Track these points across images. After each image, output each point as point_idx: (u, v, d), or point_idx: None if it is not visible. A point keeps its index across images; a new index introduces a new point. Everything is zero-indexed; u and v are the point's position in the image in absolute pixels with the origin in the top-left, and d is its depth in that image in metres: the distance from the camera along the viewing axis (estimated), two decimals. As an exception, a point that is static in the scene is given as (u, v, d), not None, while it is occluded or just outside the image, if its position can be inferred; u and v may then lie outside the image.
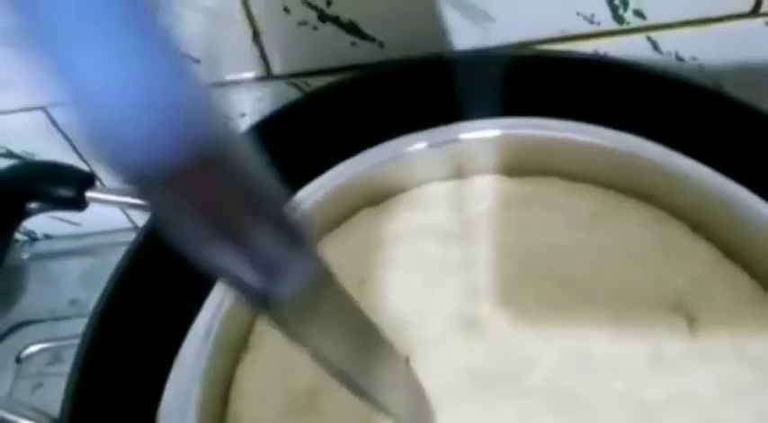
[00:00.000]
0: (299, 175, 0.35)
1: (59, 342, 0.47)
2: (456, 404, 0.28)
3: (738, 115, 0.33)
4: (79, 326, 0.30)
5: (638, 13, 0.39)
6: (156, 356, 0.29)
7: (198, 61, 0.40)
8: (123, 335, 0.29)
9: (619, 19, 0.40)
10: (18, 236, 0.55)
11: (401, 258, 0.33)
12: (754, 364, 0.27)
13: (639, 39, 0.41)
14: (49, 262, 0.53)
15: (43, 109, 0.43)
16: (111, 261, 0.53)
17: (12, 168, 0.30)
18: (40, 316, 0.49)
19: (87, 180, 0.31)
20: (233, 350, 0.32)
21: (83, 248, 0.53)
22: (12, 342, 0.48)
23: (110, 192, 0.31)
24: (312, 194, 0.34)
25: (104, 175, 0.34)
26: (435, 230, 0.34)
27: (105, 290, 0.29)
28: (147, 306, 0.30)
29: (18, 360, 0.47)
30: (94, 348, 0.27)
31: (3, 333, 0.48)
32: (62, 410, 0.25)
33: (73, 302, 0.50)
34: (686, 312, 0.29)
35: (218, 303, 0.31)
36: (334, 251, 0.34)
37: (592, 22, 0.40)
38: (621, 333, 0.28)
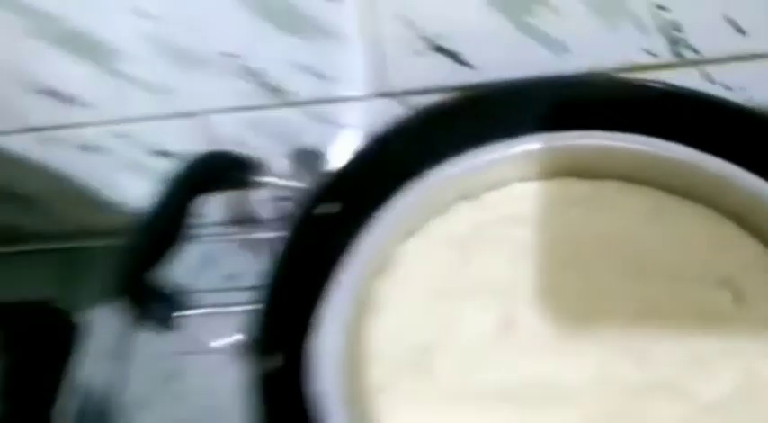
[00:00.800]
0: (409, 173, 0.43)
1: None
2: (546, 350, 0.35)
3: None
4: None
5: (693, 49, 0.47)
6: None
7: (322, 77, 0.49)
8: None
9: (677, 54, 0.48)
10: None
11: (495, 239, 0.41)
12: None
13: (694, 71, 0.49)
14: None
15: (198, 115, 0.53)
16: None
17: (205, 155, 0.39)
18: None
19: (257, 167, 0.40)
20: (360, 307, 0.40)
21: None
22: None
23: (276, 176, 0.40)
24: (417, 191, 0.42)
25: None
26: (523, 218, 0.42)
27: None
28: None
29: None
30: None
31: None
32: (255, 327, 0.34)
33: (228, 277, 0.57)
34: (733, 289, 0.36)
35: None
36: (437, 235, 0.42)
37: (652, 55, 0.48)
38: (676, 299, 0.36)
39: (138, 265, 0.35)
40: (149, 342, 0.56)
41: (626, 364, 0.34)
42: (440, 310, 0.38)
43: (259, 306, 0.35)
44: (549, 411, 0.33)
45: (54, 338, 0.56)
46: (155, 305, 0.34)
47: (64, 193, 0.61)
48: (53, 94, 0.51)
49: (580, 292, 0.37)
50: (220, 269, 0.58)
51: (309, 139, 0.54)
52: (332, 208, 0.41)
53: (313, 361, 0.35)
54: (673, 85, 0.47)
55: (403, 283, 0.40)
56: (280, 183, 0.40)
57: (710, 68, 0.48)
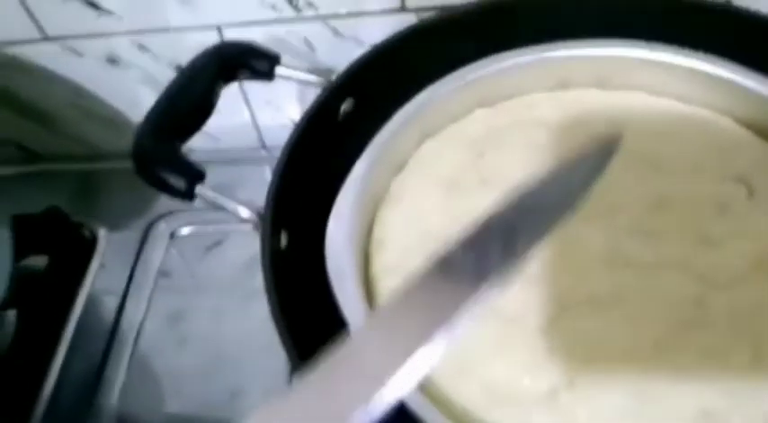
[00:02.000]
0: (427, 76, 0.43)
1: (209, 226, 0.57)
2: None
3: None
4: (221, 215, 0.38)
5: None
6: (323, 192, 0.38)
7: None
8: (302, 171, 0.38)
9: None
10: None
11: (511, 140, 0.41)
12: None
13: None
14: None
15: (217, 28, 0.53)
16: (244, 173, 0.62)
17: (228, 44, 0.40)
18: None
19: (276, 58, 0.40)
20: (374, 201, 0.40)
21: (219, 159, 0.63)
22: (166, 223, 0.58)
23: (292, 68, 0.41)
24: (434, 94, 0.42)
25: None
26: (539, 122, 0.42)
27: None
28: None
29: (172, 236, 0.58)
30: (285, 172, 0.36)
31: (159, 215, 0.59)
32: (266, 205, 0.34)
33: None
34: (747, 184, 0.36)
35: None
36: (453, 137, 0.42)
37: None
38: (693, 190, 0.36)
39: (159, 136, 0.35)
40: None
41: (637, 244, 0.34)
42: (451, 202, 0.38)
43: (275, 189, 0.35)
44: (558, 289, 0.33)
45: (69, 250, 0.58)
46: (175, 174, 0.34)
47: (86, 110, 0.62)
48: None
49: (598, 186, 0.37)
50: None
51: (330, 58, 0.54)
52: (347, 104, 0.41)
53: (329, 241, 0.36)
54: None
55: (417, 179, 0.40)
56: (298, 76, 0.41)
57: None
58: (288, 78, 0.41)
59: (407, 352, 0.18)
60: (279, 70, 0.41)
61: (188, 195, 0.35)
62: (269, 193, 0.35)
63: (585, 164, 0.24)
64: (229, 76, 0.39)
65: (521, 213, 0.23)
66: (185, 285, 0.58)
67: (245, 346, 0.51)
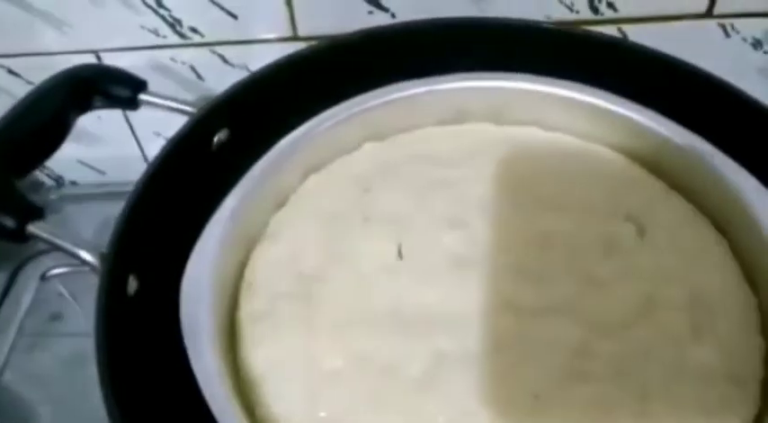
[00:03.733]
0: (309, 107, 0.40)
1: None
2: (440, 278, 0.33)
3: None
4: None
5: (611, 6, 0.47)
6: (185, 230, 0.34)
7: (236, 17, 0.47)
8: (161, 205, 0.34)
9: (594, 10, 0.47)
10: (47, 179, 0.60)
11: (399, 175, 0.38)
12: (685, 253, 0.33)
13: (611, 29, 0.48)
14: (73, 204, 0.58)
15: (94, 53, 0.49)
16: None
17: (83, 67, 0.36)
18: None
19: (141, 84, 0.37)
20: (248, 240, 0.37)
21: (105, 195, 0.58)
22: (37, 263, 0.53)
23: (159, 96, 0.37)
24: (320, 124, 0.39)
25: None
26: (431, 158, 0.40)
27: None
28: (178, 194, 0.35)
29: (43, 278, 0.52)
30: (141, 205, 0.32)
31: (30, 255, 0.53)
32: (109, 244, 0.30)
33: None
34: (637, 223, 0.35)
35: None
36: (339, 171, 0.40)
37: (572, 11, 0.47)
38: (582, 229, 0.34)
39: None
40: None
41: (523, 288, 0.31)
42: (330, 241, 0.35)
43: (122, 226, 0.31)
44: (439, 338, 0.30)
45: None
46: (2, 212, 0.30)
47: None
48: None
49: (482, 225, 0.35)
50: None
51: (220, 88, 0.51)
52: (221, 134, 0.38)
53: (185, 286, 0.31)
54: (589, 32, 0.47)
55: (297, 216, 0.37)
56: (164, 103, 0.37)
57: (626, 27, 0.48)
58: (156, 107, 0.37)
59: None
60: (144, 98, 0.37)
61: (19, 236, 0.30)
62: (115, 231, 0.31)
63: None
64: (85, 103, 0.35)
65: None
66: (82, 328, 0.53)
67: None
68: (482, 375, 0.29)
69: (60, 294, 0.55)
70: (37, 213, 0.31)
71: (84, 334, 0.54)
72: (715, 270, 0.33)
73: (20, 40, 0.49)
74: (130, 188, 0.61)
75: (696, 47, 0.47)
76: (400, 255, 0.34)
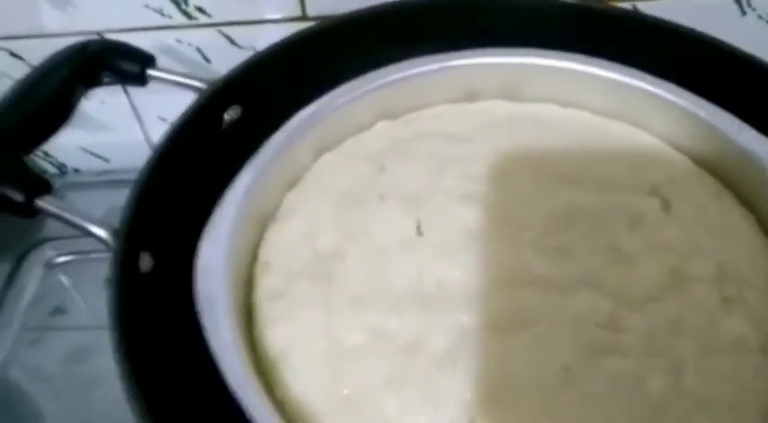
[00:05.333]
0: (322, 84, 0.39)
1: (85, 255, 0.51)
2: (460, 253, 0.32)
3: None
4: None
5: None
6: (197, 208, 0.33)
7: (243, -2, 0.46)
8: (173, 183, 0.33)
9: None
10: (50, 167, 0.59)
11: (413, 152, 0.38)
12: (712, 228, 0.32)
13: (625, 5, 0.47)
14: (76, 193, 0.57)
15: (98, 35, 0.48)
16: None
17: (91, 42, 0.35)
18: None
19: (150, 59, 0.36)
20: (262, 219, 0.36)
21: (109, 182, 0.57)
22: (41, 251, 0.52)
23: (168, 72, 0.36)
24: (332, 102, 0.38)
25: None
26: (446, 135, 0.39)
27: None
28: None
29: (47, 266, 0.51)
30: (152, 182, 0.31)
31: (33, 244, 0.52)
32: (122, 221, 0.29)
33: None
34: (661, 197, 0.34)
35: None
36: (353, 150, 0.39)
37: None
38: (605, 203, 0.33)
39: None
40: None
41: (548, 263, 0.30)
42: (345, 219, 0.34)
43: (134, 203, 0.30)
44: (461, 313, 0.29)
45: None
46: (10, 185, 0.29)
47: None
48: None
49: (502, 200, 0.34)
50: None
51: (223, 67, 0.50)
52: (232, 112, 0.37)
53: (200, 263, 0.31)
54: (606, 6, 0.46)
55: (311, 194, 0.36)
56: (173, 79, 0.36)
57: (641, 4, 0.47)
58: (165, 82, 0.36)
59: None
60: (152, 73, 0.36)
61: (27, 210, 0.29)
62: (126, 207, 0.30)
63: None
64: (92, 79, 0.34)
65: None
66: (85, 322, 0.52)
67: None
68: (507, 351, 0.28)
69: (63, 285, 0.55)
70: (45, 187, 0.30)
71: (87, 327, 0.54)
72: (742, 244, 0.32)
73: (22, 21, 0.48)
74: (135, 175, 0.61)
75: (711, 24, 0.46)
76: (419, 231, 0.33)
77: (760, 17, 0.48)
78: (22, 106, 0.31)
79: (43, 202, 0.29)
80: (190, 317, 0.29)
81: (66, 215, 0.29)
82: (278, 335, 0.30)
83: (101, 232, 0.29)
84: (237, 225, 0.33)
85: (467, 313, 0.29)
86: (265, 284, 0.32)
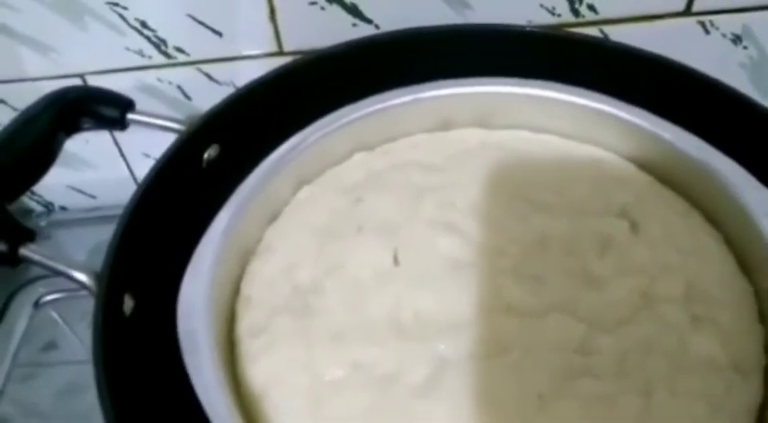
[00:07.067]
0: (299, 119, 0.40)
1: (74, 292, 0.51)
2: (437, 282, 0.33)
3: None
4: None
5: (591, 8, 0.47)
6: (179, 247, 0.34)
7: (220, 35, 0.47)
8: (154, 223, 0.34)
9: (575, 12, 0.48)
10: (36, 206, 0.60)
11: (390, 183, 0.38)
12: (680, 246, 0.33)
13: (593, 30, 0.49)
14: (64, 230, 0.58)
15: (80, 77, 0.49)
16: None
17: (70, 89, 0.36)
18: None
19: (129, 104, 0.37)
20: (243, 254, 0.37)
21: (96, 219, 0.58)
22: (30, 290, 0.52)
23: (147, 115, 0.37)
24: (309, 136, 0.39)
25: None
26: (421, 165, 0.40)
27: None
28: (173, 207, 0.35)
29: (36, 305, 0.51)
30: (133, 224, 0.32)
31: (23, 283, 0.52)
32: (103, 264, 0.30)
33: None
34: (630, 219, 0.35)
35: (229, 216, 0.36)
36: (331, 182, 0.40)
37: (553, 15, 0.48)
38: (576, 228, 0.34)
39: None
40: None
41: (522, 290, 0.31)
42: (325, 253, 0.35)
43: (115, 246, 0.31)
44: (439, 343, 0.30)
45: None
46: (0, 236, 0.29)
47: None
48: None
49: (477, 228, 0.35)
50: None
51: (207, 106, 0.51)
52: (211, 150, 0.38)
53: (182, 302, 0.31)
54: (572, 33, 0.48)
55: (291, 228, 0.37)
56: (152, 121, 0.37)
57: (608, 28, 0.48)
58: (144, 125, 0.37)
59: None
60: (132, 117, 0.37)
61: (11, 259, 0.30)
62: (108, 250, 0.30)
63: None
64: (73, 125, 0.35)
65: None
66: (77, 356, 0.53)
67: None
68: (485, 378, 0.29)
69: (54, 322, 0.55)
70: (28, 236, 0.30)
71: (79, 362, 0.54)
72: (710, 261, 0.33)
73: (4, 66, 0.49)
74: (121, 211, 0.61)
75: (677, 45, 0.47)
76: (396, 261, 0.34)
77: (724, 35, 0.50)
78: (2, 156, 0.32)
79: (26, 251, 0.30)
80: (173, 355, 0.29)
81: (50, 263, 0.30)
82: (259, 371, 0.30)
83: (82, 277, 0.30)
84: (219, 261, 0.33)
85: (444, 342, 0.30)
86: (247, 319, 0.33)
